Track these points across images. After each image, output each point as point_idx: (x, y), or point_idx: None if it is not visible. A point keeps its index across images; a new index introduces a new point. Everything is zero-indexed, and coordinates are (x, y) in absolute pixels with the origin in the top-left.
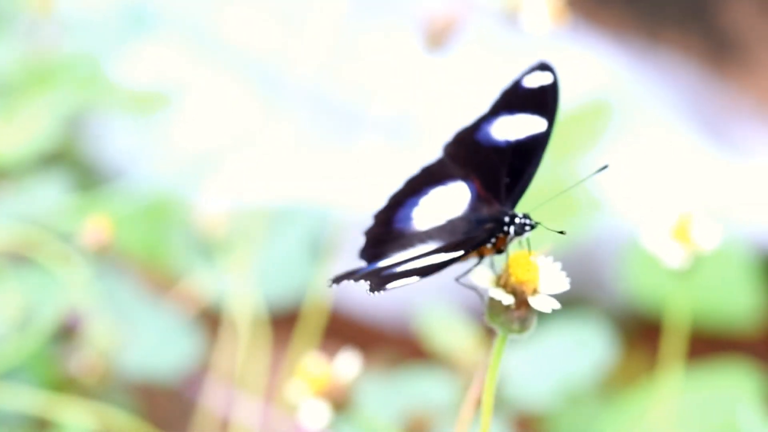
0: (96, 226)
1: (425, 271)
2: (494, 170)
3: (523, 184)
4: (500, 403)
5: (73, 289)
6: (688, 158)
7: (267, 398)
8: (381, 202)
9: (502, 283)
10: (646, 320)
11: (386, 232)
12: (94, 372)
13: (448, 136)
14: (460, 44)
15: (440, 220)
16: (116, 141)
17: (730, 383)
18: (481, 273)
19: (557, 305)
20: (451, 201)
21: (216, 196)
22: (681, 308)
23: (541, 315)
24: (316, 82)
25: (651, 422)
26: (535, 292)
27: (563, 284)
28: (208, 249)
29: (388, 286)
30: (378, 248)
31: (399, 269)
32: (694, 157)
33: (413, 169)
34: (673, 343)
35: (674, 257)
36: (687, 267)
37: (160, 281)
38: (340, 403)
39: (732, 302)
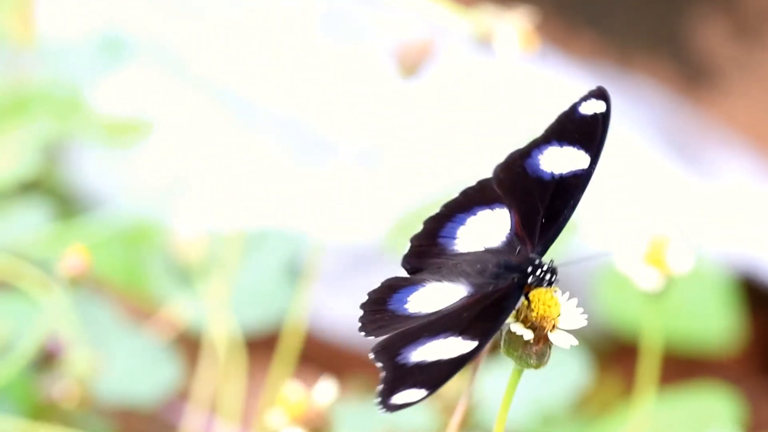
0: (74, 254)
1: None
2: (533, 206)
3: (557, 228)
4: (474, 426)
5: (52, 316)
6: (659, 182)
7: (244, 423)
8: (435, 210)
9: (522, 317)
10: (619, 342)
11: (430, 244)
12: (74, 398)
13: (501, 157)
14: (433, 71)
15: (478, 246)
16: (94, 169)
17: (704, 405)
18: None
19: (575, 341)
20: (491, 229)
21: (192, 221)
22: (654, 330)
23: None
24: (290, 110)
25: None
26: (554, 327)
27: (581, 320)
28: (185, 274)
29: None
30: (420, 260)
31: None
32: (666, 180)
33: (469, 182)
34: (647, 366)
35: (648, 280)
36: (660, 289)
37: (139, 307)
38: (318, 429)
39: (705, 324)
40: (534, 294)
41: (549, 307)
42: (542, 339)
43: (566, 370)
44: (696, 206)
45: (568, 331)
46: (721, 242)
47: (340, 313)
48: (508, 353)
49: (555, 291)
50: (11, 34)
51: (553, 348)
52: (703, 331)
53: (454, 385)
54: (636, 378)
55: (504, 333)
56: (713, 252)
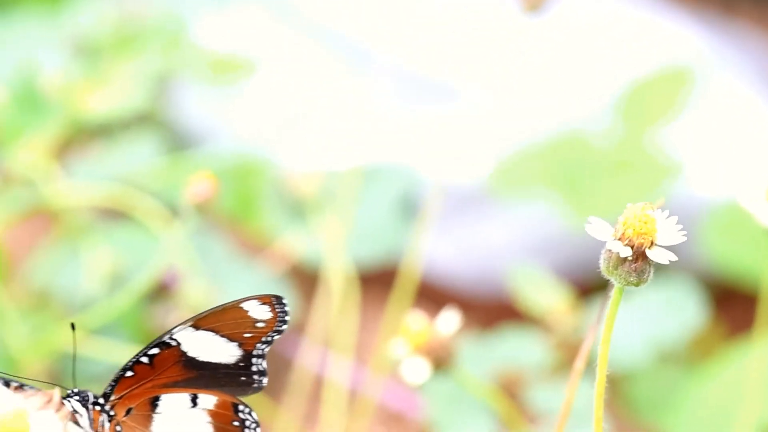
0: (200, 181)
1: None
2: None
3: None
4: (591, 364)
5: (169, 247)
6: (762, 127)
7: (357, 358)
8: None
9: (620, 235)
10: (723, 287)
11: None
12: None
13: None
14: (556, 7)
15: None
16: (200, 104)
17: None
18: (599, 226)
19: (674, 257)
20: None
21: (303, 158)
22: None
23: None
24: (400, 54)
25: (741, 386)
26: (652, 244)
27: (679, 237)
28: (299, 209)
29: None
30: None
31: None
32: None
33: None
34: (765, 308)
35: None
36: None
37: (251, 241)
38: (441, 360)
39: None
40: (630, 211)
41: (645, 224)
42: (640, 256)
43: (683, 307)
44: None
45: (665, 247)
46: None
47: (442, 253)
48: (608, 272)
49: (651, 208)
50: None
51: (652, 265)
52: None
53: (567, 320)
54: (742, 322)
55: (603, 252)
56: None
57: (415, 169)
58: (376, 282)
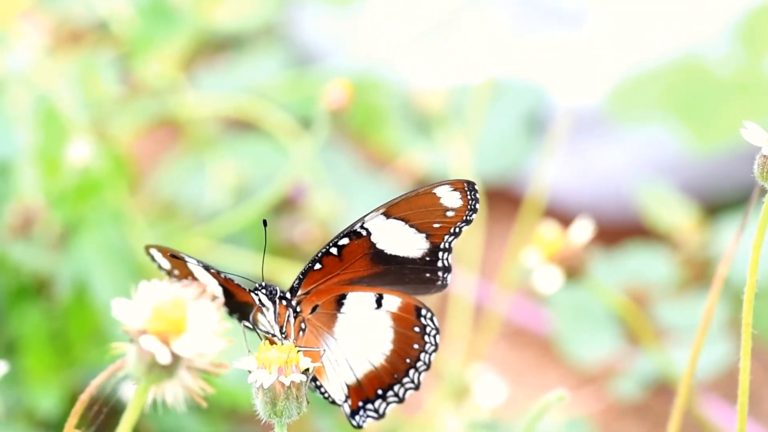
0: (337, 88)
1: None
2: None
3: None
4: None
5: (297, 159)
6: None
7: (483, 273)
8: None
9: None
10: None
11: None
12: (315, 240)
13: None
14: None
15: None
16: (318, 22)
17: None
18: (754, 131)
19: None
20: None
21: (430, 75)
22: None
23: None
24: None
25: None
26: None
27: None
28: (424, 125)
29: None
30: None
31: None
32: None
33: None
34: None
35: None
36: None
37: (376, 156)
38: (573, 268)
39: None
40: None
41: None
42: None
43: None
44: None
45: None
46: None
47: (565, 173)
48: (762, 177)
49: None
50: None
51: None
52: None
53: (694, 238)
54: None
55: (757, 157)
56: None
57: (541, 88)
58: (500, 199)
